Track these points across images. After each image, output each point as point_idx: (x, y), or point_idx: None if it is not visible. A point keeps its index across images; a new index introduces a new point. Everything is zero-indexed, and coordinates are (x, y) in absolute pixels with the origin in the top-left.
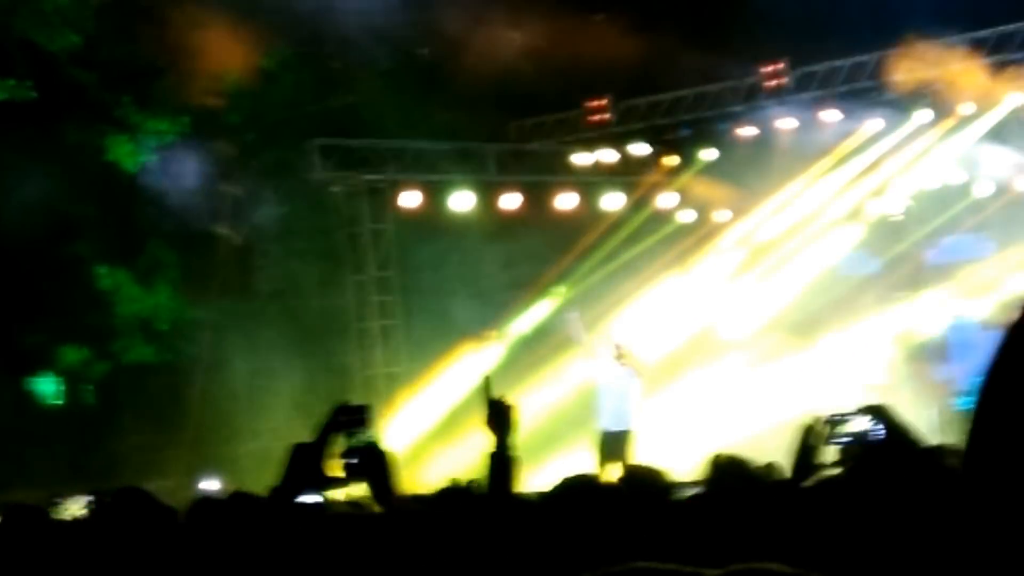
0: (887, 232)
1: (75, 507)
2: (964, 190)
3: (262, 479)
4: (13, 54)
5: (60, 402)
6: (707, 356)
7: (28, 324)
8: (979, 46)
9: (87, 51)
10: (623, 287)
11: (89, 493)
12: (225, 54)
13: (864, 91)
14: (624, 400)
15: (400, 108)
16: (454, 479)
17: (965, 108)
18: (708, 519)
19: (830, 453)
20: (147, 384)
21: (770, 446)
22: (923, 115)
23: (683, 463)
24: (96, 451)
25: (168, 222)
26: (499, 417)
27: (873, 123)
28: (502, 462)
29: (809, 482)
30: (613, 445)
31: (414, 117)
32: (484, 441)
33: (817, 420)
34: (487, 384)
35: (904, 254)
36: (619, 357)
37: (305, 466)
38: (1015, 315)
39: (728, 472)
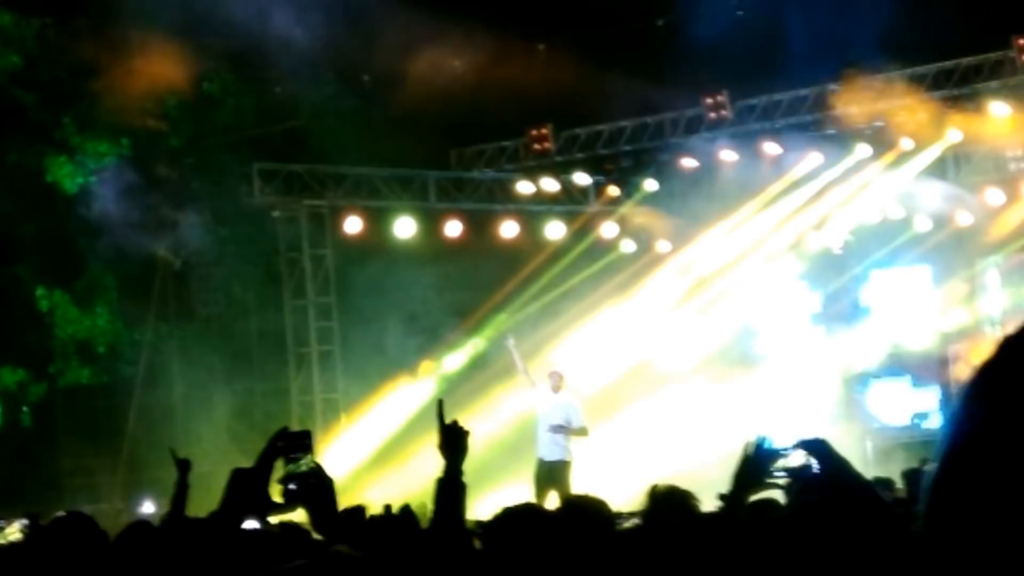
0: (826, 265)
1: (11, 531)
2: (904, 224)
3: (198, 503)
4: None
5: None
6: (647, 387)
7: None
8: (919, 81)
9: (27, 71)
10: (564, 316)
11: (24, 517)
12: (166, 77)
13: (804, 125)
14: (561, 432)
15: (341, 134)
16: (406, 504)
17: (906, 143)
18: (648, 551)
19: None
20: (84, 406)
21: (710, 477)
22: (863, 150)
23: (622, 494)
24: (33, 473)
25: (107, 244)
26: (453, 441)
27: (814, 157)
28: (453, 487)
29: (745, 514)
30: (551, 475)
31: (355, 143)
32: (434, 466)
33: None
34: (440, 408)
35: (843, 287)
36: (556, 387)
37: (246, 492)
38: (982, 360)
39: (667, 504)
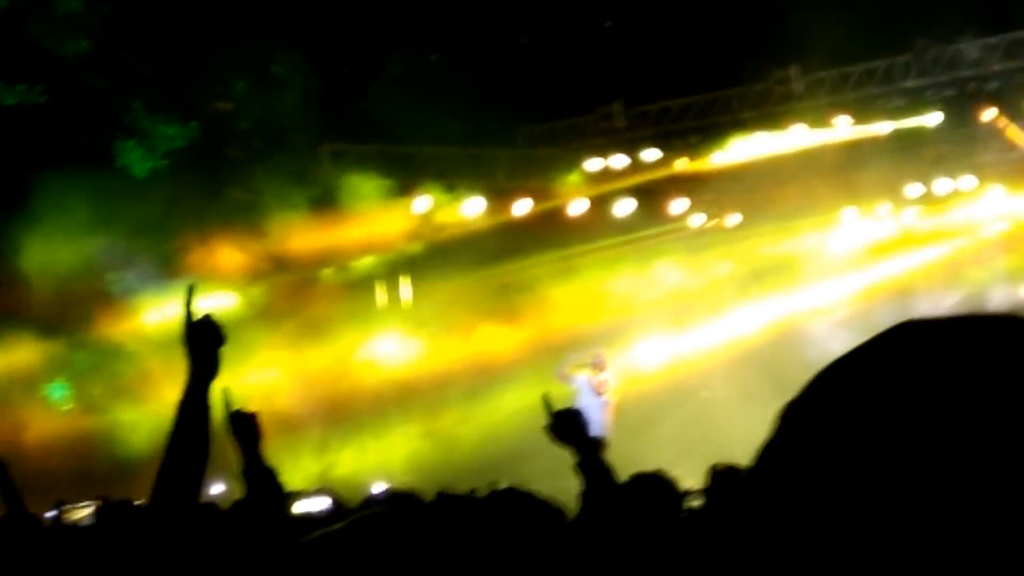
0: None
1: (82, 513)
2: None
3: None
4: (24, 59)
5: None
6: (717, 363)
7: None
8: None
9: (97, 56)
10: (631, 292)
11: (96, 499)
12: (234, 60)
13: (873, 97)
14: (596, 409)
15: (410, 113)
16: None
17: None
18: (710, 530)
19: None
20: None
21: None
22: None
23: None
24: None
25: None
26: (243, 429)
27: (880, 128)
28: (260, 474)
29: None
30: None
31: (424, 122)
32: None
33: None
34: (227, 397)
35: None
36: (598, 368)
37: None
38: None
39: (730, 483)
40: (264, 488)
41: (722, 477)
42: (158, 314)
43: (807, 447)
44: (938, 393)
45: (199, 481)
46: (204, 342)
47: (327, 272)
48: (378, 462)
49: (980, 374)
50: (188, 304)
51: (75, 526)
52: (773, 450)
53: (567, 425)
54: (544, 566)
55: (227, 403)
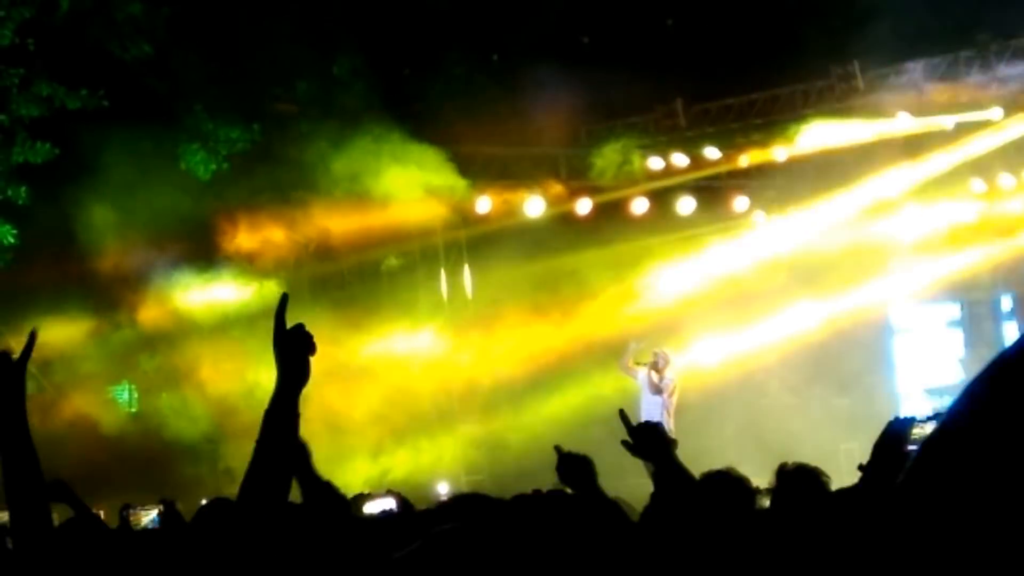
0: None
1: (147, 516)
2: None
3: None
4: (86, 63)
5: None
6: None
7: None
8: None
9: (159, 59)
10: (694, 291)
11: (160, 503)
12: (295, 61)
13: (935, 92)
14: (655, 413)
15: (471, 114)
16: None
17: None
18: (779, 529)
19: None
20: None
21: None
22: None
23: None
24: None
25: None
26: (292, 349)
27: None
28: (317, 491)
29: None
30: None
31: (485, 122)
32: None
33: (906, 423)
34: (283, 304)
35: None
36: (657, 368)
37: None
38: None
39: (797, 482)
40: (324, 503)
41: (790, 476)
42: (204, 297)
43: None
44: None
45: (287, 488)
46: (294, 351)
47: (384, 264)
48: (433, 462)
49: None
50: (281, 313)
51: (142, 529)
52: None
53: (647, 439)
54: (618, 567)
55: (280, 314)
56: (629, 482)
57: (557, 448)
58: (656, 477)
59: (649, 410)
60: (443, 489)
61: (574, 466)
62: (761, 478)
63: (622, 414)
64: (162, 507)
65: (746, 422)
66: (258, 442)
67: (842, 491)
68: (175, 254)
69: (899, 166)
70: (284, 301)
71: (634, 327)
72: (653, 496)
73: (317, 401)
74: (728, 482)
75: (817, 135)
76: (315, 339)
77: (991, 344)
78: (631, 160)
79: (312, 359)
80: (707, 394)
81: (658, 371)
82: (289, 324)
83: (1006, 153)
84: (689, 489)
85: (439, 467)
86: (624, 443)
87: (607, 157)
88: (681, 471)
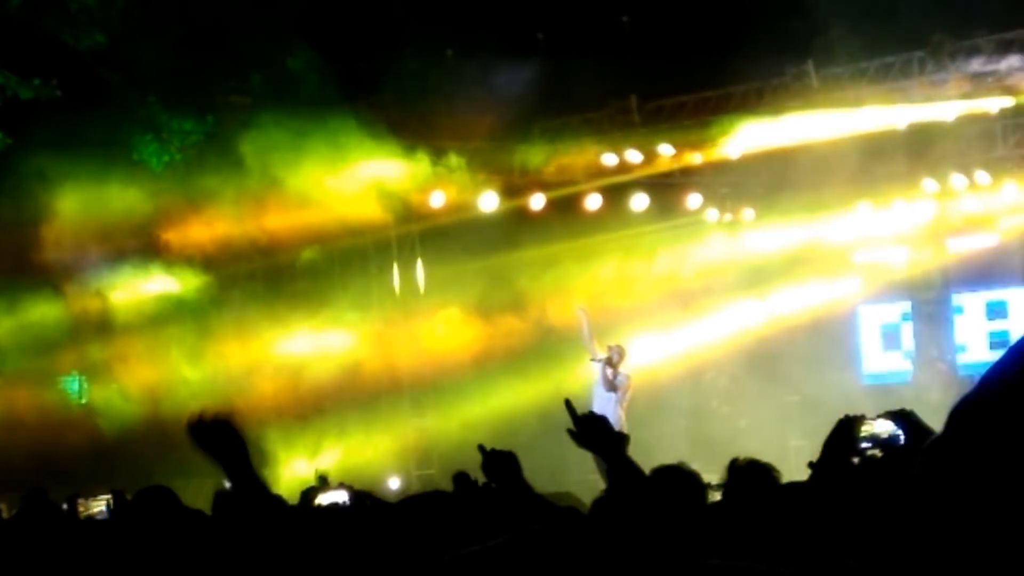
0: None
1: (96, 506)
2: None
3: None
4: (39, 53)
5: None
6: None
7: None
8: None
9: (112, 50)
10: (645, 287)
11: (109, 492)
12: (249, 53)
13: (890, 92)
14: (610, 404)
15: (425, 109)
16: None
17: None
18: (731, 524)
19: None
20: None
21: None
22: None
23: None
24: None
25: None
26: (215, 438)
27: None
28: (251, 486)
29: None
30: None
31: (439, 118)
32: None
33: (856, 421)
34: (570, 407)
35: None
36: (616, 362)
37: None
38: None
39: (748, 477)
40: (256, 502)
41: (742, 472)
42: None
43: None
44: None
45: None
46: (221, 444)
47: (329, 252)
48: (383, 456)
49: None
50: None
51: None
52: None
53: (592, 430)
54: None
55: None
56: (577, 477)
57: (480, 447)
58: (606, 471)
59: (602, 406)
60: (394, 483)
61: (498, 463)
62: (711, 474)
63: (568, 404)
64: (111, 497)
65: (694, 419)
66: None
67: (793, 485)
68: (125, 245)
69: (852, 165)
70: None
71: (587, 322)
72: (606, 490)
73: (264, 394)
74: (680, 476)
75: (770, 133)
76: (266, 332)
77: (940, 343)
78: (584, 156)
79: (245, 351)
80: (655, 390)
81: (613, 366)
82: (238, 316)
83: (959, 153)
84: (638, 482)
85: (388, 461)
86: (569, 432)
87: (561, 153)
88: (629, 464)
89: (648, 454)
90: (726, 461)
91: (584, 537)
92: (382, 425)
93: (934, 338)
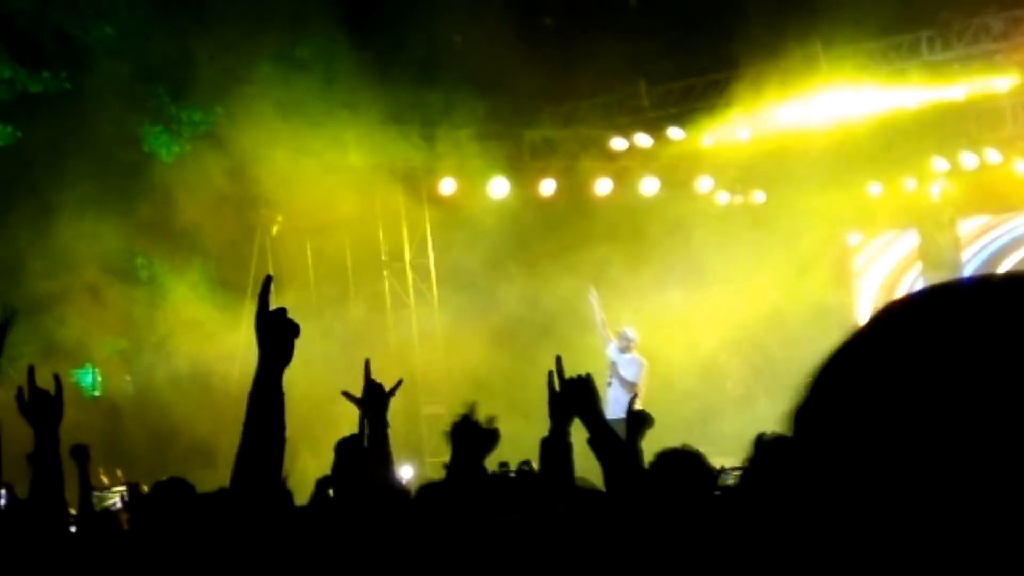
0: None
1: (111, 498)
2: None
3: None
4: (47, 46)
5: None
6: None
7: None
8: None
9: (120, 42)
10: (654, 272)
11: (124, 484)
12: (257, 43)
13: (899, 72)
14: (625, 389)
15: (433, 95)
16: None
17: None
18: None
19: None
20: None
21: None
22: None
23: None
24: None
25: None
26: (39, 408)
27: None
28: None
29: None
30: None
31: (448, 103)
32: None
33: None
34: (266, 286)
35: None
36: (626, 347)
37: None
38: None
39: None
40: (47, 482)
41: (769, 447)
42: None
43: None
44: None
45: (278, 467)
46: (276, 333)
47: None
48: (396, 445)
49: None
50: (264, 295)
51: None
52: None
53: (574, 394)
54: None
55: (264, 295)
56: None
57: (559, 365)
58: (591, 444)
59: (617, 393)
60: (407, 472)
61: (573, 390)
62: (725, 458)
63: (558, 360)
64: (126, 489)
65: (706, 401)
66: (245, 425)
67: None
68: (136, 234)
69: (861, 145)
70: (267, 283)
71: (599, 306)
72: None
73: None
74: (684, 459)
75: (779, 114)
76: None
77: None
78: (594, 141)
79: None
80: (665, 374)
81: (627, 352)
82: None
83: (967, 131)
84: (621, 455)
85: (402, 450)
86: (550, 396)
87: (570, 138)
88: (613, 437)
89: (658, 440)
90: (740, 444)
91: (608, 519)
92: (395, 413)
93: None
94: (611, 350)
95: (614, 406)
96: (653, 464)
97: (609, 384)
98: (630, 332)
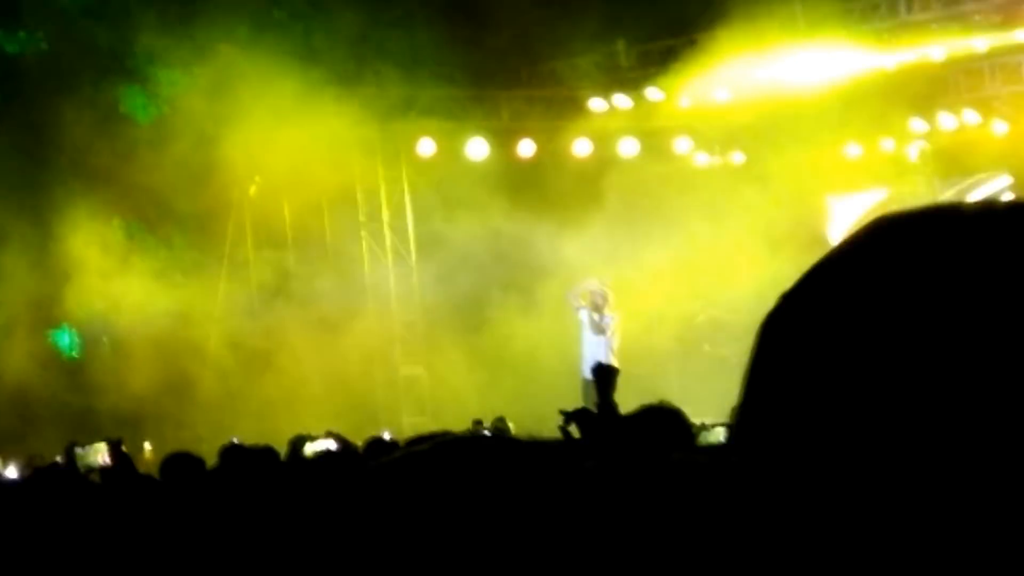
0: None
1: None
2: None
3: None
4: (24, 6)
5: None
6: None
7: None
8: None
9: (98, 3)
10: (633, 233)
11: (104, 441)
12: (234, 4)
13: (877, 31)
14: (599, 353)
15: (412, 54)
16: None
17: None
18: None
19: None
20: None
21: None
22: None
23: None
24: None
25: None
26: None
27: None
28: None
29: None
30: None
31: (426, 63)
32: None
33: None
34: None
35: None
36: (600, 307)
37: None
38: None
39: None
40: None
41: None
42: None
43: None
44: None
45: None
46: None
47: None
48: (374, 404)
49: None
50: None
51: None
52: (755, 375)
53: (607, 378)
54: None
55: None
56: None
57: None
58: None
59: (593, 351)
60: (386, 433)
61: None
62: (705, 416)
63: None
64: (108, 446)
65: (685, 361)
66: None
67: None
68: (115, 197)
69: (840, 105)
70: None
71: (577, 272)
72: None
73: (254, 346)
74: (663, 414)
75: (758, 74)
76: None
77: None
78: (573, 102)
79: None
80: (645, 335)
81: (598, 310)
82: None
83: (946, 91)
84: (615, 421)
85: (380, 410)
86: (593, 373)
87: (549, 99)
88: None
89: (636, 401)
90: (717, 405)
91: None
92: (374, 373)
93: None
94: (584, 313)
95: (589, 358)
96: (632, 417)
97: (586, 345)
98: (604, 290)
